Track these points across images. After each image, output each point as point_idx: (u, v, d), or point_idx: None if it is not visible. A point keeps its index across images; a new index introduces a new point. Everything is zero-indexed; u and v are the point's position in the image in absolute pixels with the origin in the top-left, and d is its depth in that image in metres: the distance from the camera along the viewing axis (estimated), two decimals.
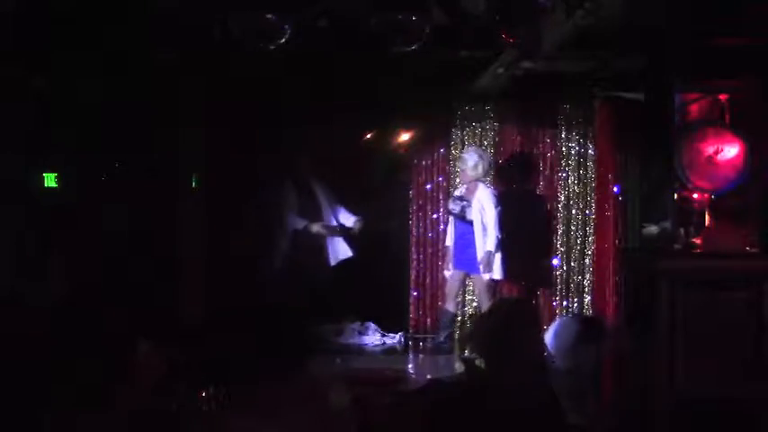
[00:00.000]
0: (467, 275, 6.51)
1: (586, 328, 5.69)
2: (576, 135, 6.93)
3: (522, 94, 6.69)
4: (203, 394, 3.84)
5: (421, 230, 7.15)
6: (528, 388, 2.37)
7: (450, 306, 6.52)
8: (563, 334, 5.90)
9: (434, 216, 7.11)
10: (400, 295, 7.23)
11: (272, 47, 4.54)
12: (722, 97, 5.59)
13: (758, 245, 5.22)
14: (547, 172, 6.99)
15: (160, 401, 3.21)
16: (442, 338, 6.51)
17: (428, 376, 6.04)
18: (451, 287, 6.52)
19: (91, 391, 2.69)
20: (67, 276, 5.37)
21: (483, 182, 6.37)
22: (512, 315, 2.57)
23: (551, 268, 6.89)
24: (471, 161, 6.28)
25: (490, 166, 6.51)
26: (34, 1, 4.57)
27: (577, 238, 6.95)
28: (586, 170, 6.92)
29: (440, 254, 7.04)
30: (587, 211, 6.93)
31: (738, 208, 5.54)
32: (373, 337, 6.94)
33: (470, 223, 6.24)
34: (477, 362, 2.55)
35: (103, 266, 5.62)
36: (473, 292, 7.00)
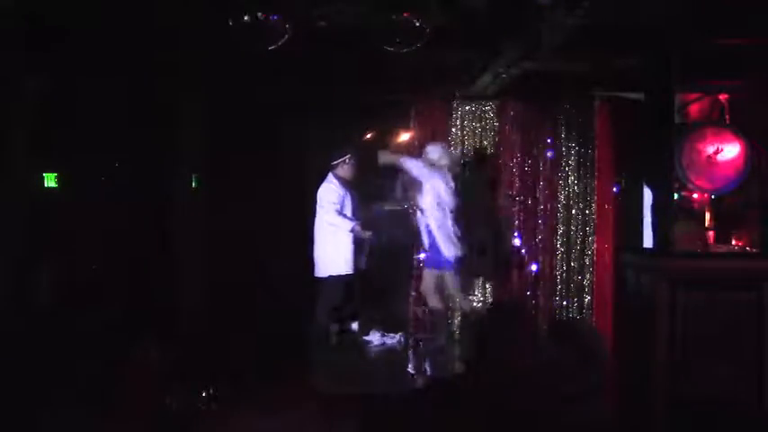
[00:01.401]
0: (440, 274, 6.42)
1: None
2: (576, 135, 6.93)
3: (522, 94, 6.69)
4: (203, 394, 3.85)
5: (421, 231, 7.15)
6: (528, 388, 2.37)
7: (433, 302, 6.47)
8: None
9: None
10: (400, 295, 7.24)
11: (272, 47, 4.54)
12: (722, 97, 5.59)
13: (758, 245, 5.22)
14: (547, 172, 6.99)
15: (160, 401, 3.22)
16: (441, 339, 6.50)
17: (428, 376, 6.04)
18: (425, 286, 6.48)
19: (91, 391, 2.69)
20: (67, 277, 5.38)
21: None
22: (508, 317, 2.57)
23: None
24: (435, 154, 6.29)
25: (453, 163, 6.48)
26: (35, 2, 4.57)
27: (577, 238, 6.95)
28: (586, 170, 6.92)
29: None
30: (587, 211, 6.94)
31: (738, 208, 5.55)
32: (373, 337, 6.94)
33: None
34: (477, 362, 2.56)
35: (103, 267, 5.62)
36: (471, 291, 7.03)
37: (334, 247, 6.32)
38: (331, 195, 6.32)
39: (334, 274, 6.31)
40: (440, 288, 6.38)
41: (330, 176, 6.41)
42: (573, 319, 6.34)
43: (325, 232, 6.34)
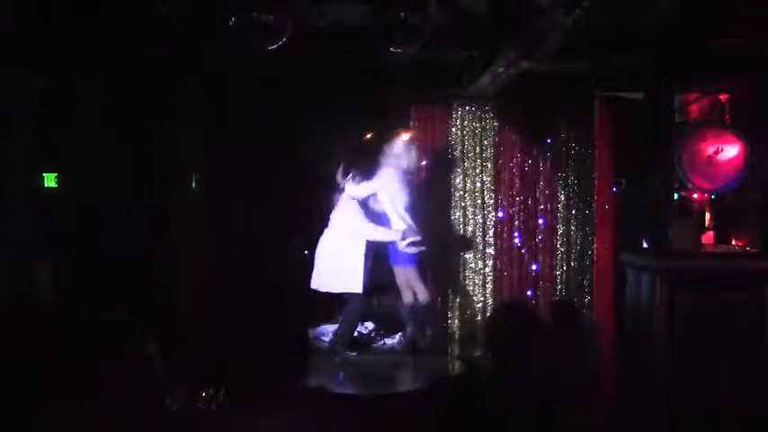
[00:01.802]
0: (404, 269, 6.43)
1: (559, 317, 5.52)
2: (576, 135, 6.93)
3: (522, 94, 6.69)
4: (203, 394, 3.85)
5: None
6: (532, 390, 2.37)
7: (407, 298, 6.43)
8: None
9: None
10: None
11: (272, 47, 4.53)
12: (722, 97, 5.60)
13: (758, 245, 5.23)
14: (547, 172, 6.99)
15: (160, 401, 3.22)
16: (427, 335, 6.49)
17: (428, 376, 6.03)
18: (398, 282, 6.47)
19: (91, 391, 2.69)
20: (66, 277, 5.37)
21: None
22: (523, 318, 2.56)
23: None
24: (399, 150, 6.35)
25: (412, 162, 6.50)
26: (35, 3, 4.57)
27: (577, 238, 6.95)
28: (586, 170, 6.92)
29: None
30: (587, 211, 6.93)
31: (738, 208, 5.55)
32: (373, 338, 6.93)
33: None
34: (483, 362, 2.55)
35: (103, 267, 5.62)
36: (471, 291, 7.03)
37: (360, 261, 6.30)
38: (360, 216, 6.32)
39: (359, 290, 6.27)
40: (409, 283, 6.39)
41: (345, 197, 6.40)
42: (577, 309, 6.24)
43: (356, 247, 6.29)
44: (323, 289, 6.34)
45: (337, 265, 6.25)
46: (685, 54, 4.94)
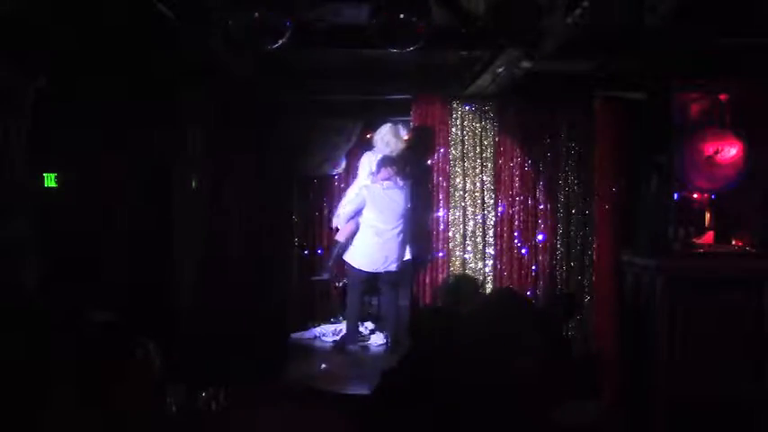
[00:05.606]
0: None
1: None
2: (576, 135, 6.92)
3: (522, 94, 6.69)
4: (203, 394, 3.85)
5: None
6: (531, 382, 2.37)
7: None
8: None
9: (434, 216, 7.11)
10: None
11: (272, 47, 4.53)
12: (722, 97, 5.59)
13: (758, 245, 5.23)
14: (547, 172, 6.99)
15: (159, 402, 3.22)
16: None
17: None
18: None
19: (91, 391, 2.69)
20: (66, 277, 5.37)
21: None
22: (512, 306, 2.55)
23: None
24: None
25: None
26: (34, 2, 4.56)
27: (577, 237, 6.95)
28: (586, 170, 6.91)
29: (439, 254, 7.05)
30: (587, 211, 6.93)
31: (738, 208, 5.55)
32: (377, 338, 6.93)
33: None
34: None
35: (103, 267, 5.62)
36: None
37: None
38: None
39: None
40: None
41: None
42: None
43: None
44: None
45: None
46: (685, 54, 4.93)
